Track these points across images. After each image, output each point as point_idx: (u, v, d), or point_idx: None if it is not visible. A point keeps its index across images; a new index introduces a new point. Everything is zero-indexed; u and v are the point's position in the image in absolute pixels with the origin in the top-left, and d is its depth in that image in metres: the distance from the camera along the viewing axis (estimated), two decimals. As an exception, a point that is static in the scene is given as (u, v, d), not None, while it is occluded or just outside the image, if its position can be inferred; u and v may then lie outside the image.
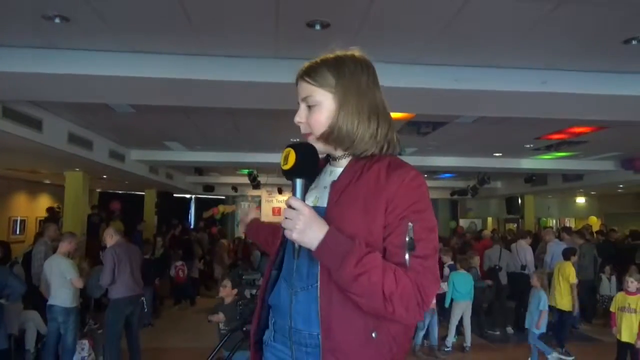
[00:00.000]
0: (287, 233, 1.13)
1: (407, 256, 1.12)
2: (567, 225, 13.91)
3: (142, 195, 14.14)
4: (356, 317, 1.14)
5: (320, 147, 1.27)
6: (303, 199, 1.20)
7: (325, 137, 1.25)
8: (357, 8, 3.16)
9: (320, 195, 1.28)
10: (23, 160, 8.33)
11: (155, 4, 3.12)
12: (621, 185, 12.05)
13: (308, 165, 1.20)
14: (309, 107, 1.27)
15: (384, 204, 1.15)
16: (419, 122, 6.88)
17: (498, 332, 7.53)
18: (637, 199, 11.88)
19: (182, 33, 3.58)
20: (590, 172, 10.88)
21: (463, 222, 17.48)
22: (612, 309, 5.25)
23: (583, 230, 10.57)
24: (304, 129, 1.29)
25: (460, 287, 6.49)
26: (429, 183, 14.65)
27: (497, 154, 9.93)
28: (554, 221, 17.30)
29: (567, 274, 6.43)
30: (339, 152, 1.30)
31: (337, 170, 1.29)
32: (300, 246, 1.16)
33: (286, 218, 1.13)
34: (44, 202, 13.26)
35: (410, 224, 1.13)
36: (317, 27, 3.41)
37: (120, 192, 15.56)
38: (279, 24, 3.41)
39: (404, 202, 1.15)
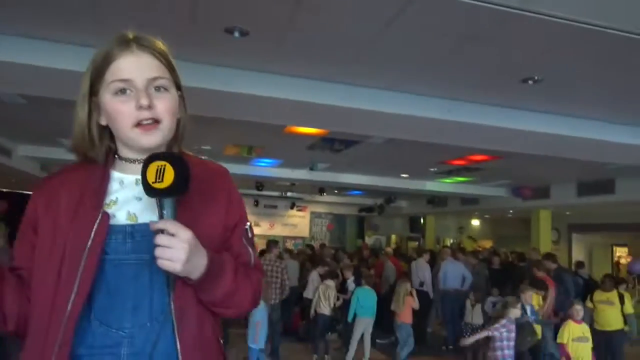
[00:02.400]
0: (167, 265, 0.93)
1: (252, 254, 1.15)
2: (462, 245, 14.88)
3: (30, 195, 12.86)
4: (211, 334, 1.08)
5: (158, 144, 1.05)
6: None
7: (171, 132, 1.07)
8: (278, 21, 3.11)
9: (135, 209, 1.05)
10: None
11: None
12: (511, 211, 13.15)
13: (186, 182, 0.97)
14: (156, 89, 1.03)
15: (224, 206, 1.11)
16: (333, 139, 6.98)
17: (386, 341, 7.75)
18: (524, 224, 13.02)
19: (87, 25, 3.29)
20: (485, 197, 11.76)
21: (368, 239, 18.02)
22: (562, 340, 4.94)
23: (479, 251, 11.33)
24: (146, 115, 1.00)
25: (365, 302, 6.62)
26: (340, 199, 15.00)
27: (404, 175, 10.39)
28: (451, 241, 18.43)
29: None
30: (139, 155, 1.06)
31: (130, 177, 1.07)
32: (175, 277, 0.97)
33: (159, 246, 0.93)
34: None
35: (247, 223, 1.16)
36: (237, 34, 3.31)
37: (4, 190, 14.03)
38: (196, 25, 3.25)
39: (239, 203, 1.16)
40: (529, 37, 3.09)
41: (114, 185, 1.07)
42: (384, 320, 7.17)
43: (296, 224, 17.63)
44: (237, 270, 1.07)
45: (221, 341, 1.11)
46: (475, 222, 17.55)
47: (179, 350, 0.99)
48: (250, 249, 1.16)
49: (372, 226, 18.67)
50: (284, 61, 3.82)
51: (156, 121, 1.02)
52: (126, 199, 1.06)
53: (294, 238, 17.28)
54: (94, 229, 1.00)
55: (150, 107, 1.00)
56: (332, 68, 3.93)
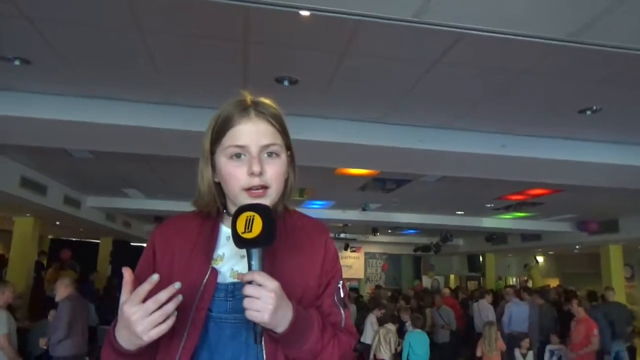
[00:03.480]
0: (255, 315, 0.92)
1: (343, 315, 1.11)
2: (527, 284, 14.09)
3: (97, 244, 13.53)
4: None
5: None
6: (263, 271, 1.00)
7: (279, 194, 1.09)
8: (325, 67, 3.21)
9: (237, 267, 1.07)
10: (-31, 204, 7.87)
11: (122, 54, 3.08)
12: (577, 246, 12.41)
13: (273, 233, 0.98)
14: (268, 154, 1.06)
15: (319, 264, 1.11)
16: (384, 179, 6.95)
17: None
18: (593, 260, 12.20)
19: (149, 82, 3.53)
20: (547, 232, 11.18)
21: (425, 280, 17.47)
22: None
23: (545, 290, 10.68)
24: (256, 182, 1.03)
25: (418, 348, 6.30)
26: (394, 239, 14.63)
27: (459, 212, 10.10)
28: (514, 279, 17.52)
29: None
30: None
31: None
32: (262, 329, 0.96)
33: (248, 297, 0.92)
34: (-12, 248, 12.48)
35: (340, 281, 1.14)
36: (286, 83, 3.44)
37: (73, 239, 14.87)
38: (247, 78, 3.41)
39: (334, 261, 1.14)
40: (582, 67, 3.01)
41: (221, 240, 1.11)
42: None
43: (351, 265, 17.43)
44: (324, 328, 1.04)
45: None
46: (539, 259, 16.65)
47: None
48: (341, 310, 1.12)
49: (429, 266, 18.13)
50: (332, 105, 3.91)
51: (265, 187, 1.04)
52: (231, 255, 1.09)
53: (349, 280, 17.05)
54: (203, 284, 1.03)
55: (261, 173, 1.03)
56: (380, 109, 3.97)
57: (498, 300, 9.72)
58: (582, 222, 10.14)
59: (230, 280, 1.06)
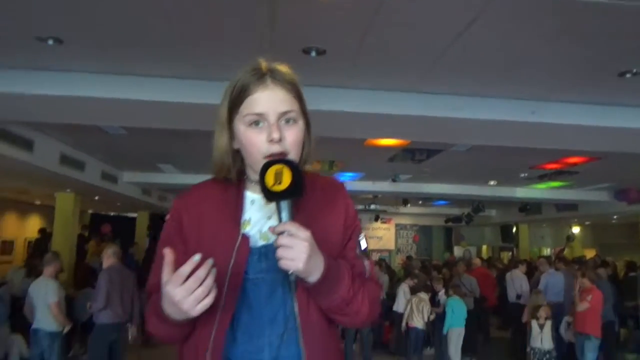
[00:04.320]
0: (289, 264, 0.95)
1: (367, 266, 1.15)
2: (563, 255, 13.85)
3: (134, 218, 13.99)
4: (334, 342, 1.15)
5: None
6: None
7: (297, 159, 1.10)
8: (353, 37, 3.17)
9: (265, 228, 1.11)
10: (13, 181, 8.24)
11: (152, 30, 3.12)
12: (615, 216, 12.06)
13: (302, 185, 1.00)
14: (286, 121, 1.07)
15: (342, 221, 1.15)
16: (414, 149, 6.89)
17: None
18: (631, 230, 11.86)
19: (178, 57, 3.57)
20: (584, 202, 10.90)
21: (457, 250, 17.39)
22: None
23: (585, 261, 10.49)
24: (276, 149, 1.04)
25: (459, 313, 6.58)
26: (425, 210, 14.53)
27: (492, 182, 9.94)
28: (548, 250, 17.23)
29: None
30: None
31: (260, 197, 1.07)
32: (296, 278, 1.00)
33: (282, 246, 0.95)
34: (33, 223, 13.11)
35: (361, 234, 1.18)
36: (313, 53, 3.42)
37: (112, 213, 15.42)
38: (274, 49, 3.40)
39: (354, 217, 1.18)
40: (622, 27, 2.87)
41: (246, 205, 1.15)
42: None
43: (381, 236, 17.51)
44: (353, 277, 1.08)
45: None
46: (575, 230, 16.29)
47: (304, 355, 1.05)
48: (364, 261, 1.16)
49: (460, 237, 18.02)
50: (361, 75, 3.87)
51: (285, 153, 1.06)
52: (258, 218, 1.13)
53: (380, 251, 17.15)
54: (235, 250, 1.07)
55: (280, 140, 1.04)
56: (409, 78, 3.91)
57: (532, 271, 9.61)
58: (620, 191, 9.82)
59: (261, 243, 1.10)
